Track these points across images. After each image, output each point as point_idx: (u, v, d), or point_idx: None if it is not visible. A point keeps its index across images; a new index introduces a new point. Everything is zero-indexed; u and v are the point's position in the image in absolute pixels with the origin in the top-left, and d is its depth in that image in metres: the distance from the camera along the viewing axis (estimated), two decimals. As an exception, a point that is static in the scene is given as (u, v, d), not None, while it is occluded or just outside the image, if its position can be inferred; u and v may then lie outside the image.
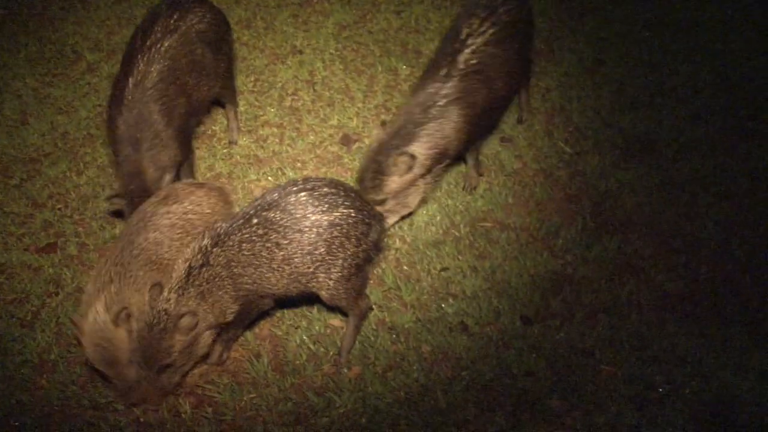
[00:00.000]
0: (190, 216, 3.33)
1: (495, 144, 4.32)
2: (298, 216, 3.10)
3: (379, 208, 3.59)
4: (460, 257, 3.77)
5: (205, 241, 3.09)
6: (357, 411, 3.17)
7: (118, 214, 3.61)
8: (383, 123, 4.06)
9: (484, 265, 3.75)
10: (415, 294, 3.60)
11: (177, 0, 3.73)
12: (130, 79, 3.52)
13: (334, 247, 3.14)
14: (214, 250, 3.07)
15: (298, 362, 3.45)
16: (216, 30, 3.81)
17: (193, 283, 3.05)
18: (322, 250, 3.14)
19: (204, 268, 3.05)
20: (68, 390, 3.40)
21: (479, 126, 3.83)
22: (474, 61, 3.74)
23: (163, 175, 3.58)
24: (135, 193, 3.48)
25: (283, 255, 3.12)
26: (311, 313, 3.60)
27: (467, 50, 3.75)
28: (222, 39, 3.86)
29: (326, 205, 3.12)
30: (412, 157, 3.63)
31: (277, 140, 4.28)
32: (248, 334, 3.55)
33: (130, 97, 3.50)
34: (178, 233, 3.31)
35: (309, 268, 3.17)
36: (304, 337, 3.54)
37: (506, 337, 3.47)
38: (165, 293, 3.03)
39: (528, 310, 3.59)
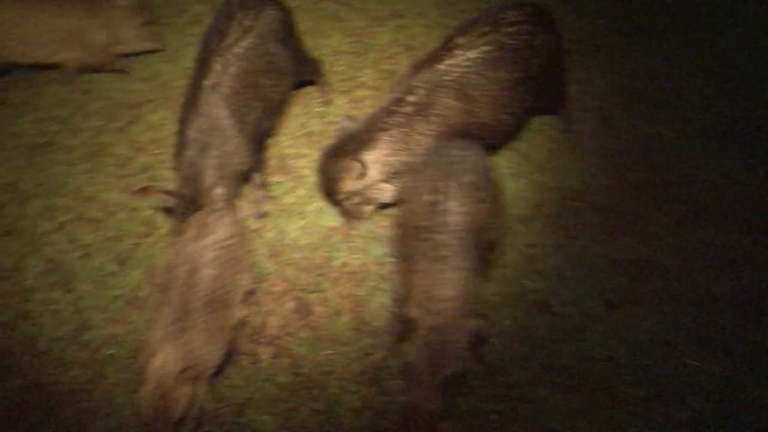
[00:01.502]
0: (229, 241, 3.32)
1: (595, 123, 4.27)
2: None
3: (345, 204, 3.67)
4: (547, 235, 3.78)
5: None
6: (432, 377, 3.23)
7: (168, 211, 3.68)
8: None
9: (572, 244, 3.74)
10: (499, 268, 3.63)
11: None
12: (205, 82, 3.53)
13: None
14: None
15: (376, 324, 3.54)
16: (287, 28, 3.84)
17: None
18: None
19: None
20: (156, 328, 3.58)
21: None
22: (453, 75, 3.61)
23: (218, 186, 3.53)
24: (186, 198, 3.50)
25: None
26: (392, 278, 3.69)
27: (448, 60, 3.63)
28: (292, 36, 3.88)
29: None
30: (363, 164, 3.59)
31: (371, 102, 4.35)
32: (330, 293, 3.66)
33: (203, 101, 3.52)
34: (227, 261, 3.28)
35: None
36: (385, 300, 3.62)
37: (588, 319, 3.47)
38: None
39: (613, 294, 3.58)
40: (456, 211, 3.17)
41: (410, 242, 3.24)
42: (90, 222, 3.96)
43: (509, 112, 3.75)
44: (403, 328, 3.15)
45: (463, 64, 3.64)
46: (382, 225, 3.95)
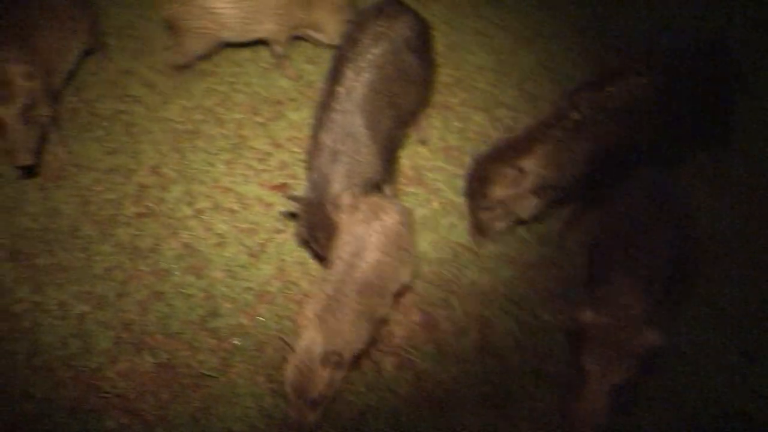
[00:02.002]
0: (399, 228, 3.36)
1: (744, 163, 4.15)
2: None
3: (485, 214, 3.63)
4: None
5: None
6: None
7: (292, 215, 3.73)
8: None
9: (707, 291, 3.63)
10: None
11: (383, 7, 3.78)
12: (340, 89, 3.58)
13: None
14: None
15: (503, 348, 3.52)
16: (422, 38, 3.85)
17: None
18: None
19: None
20: (282, 323, 3.68)
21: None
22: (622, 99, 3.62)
23: (345, 194, 3.53)
24: (312, 204, 3.53)
25: None
26: (522, 302, 3.67)
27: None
28: (426, 47, 3.89)
29: None
30: (520, 171, 3.56)
31: (511, 122, 4.33)
32: (457, 310, 3.66)
33: (338, 107, 3.56)
34: (394, 249, 3.33)
35: None
36: (512, 325, 3.59)
37: (722, 370, 3.36)
38: None
39: (751, 345, 3.45)
40: (659, 239, 3.14)
41: (606, 252, 3.21)
42: (226, 212, 4.09)
43: (669, 140, 3.74)
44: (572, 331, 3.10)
45: (635, 90, 3.60)
46: (512, 247, 3.93)
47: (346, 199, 3.48)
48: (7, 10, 3.95)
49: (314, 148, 3.62)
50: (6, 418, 3.40)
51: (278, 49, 4.53)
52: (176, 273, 3.89)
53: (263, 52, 4.66)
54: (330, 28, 4.46)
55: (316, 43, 4.60)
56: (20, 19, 3.92)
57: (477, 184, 3.70)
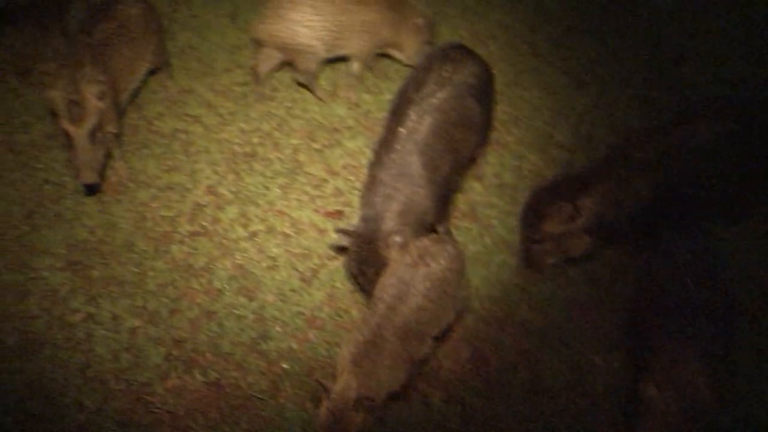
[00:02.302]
0: (446, 274, 3.38)
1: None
2: None
3: (536, 247, 3.70)
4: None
5: None
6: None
7: (342, 249, 3.77)
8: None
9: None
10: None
11: (449, 52, 3.86)
12: (401, 129, 3.65)
13: None
14: None
15: (552, 387, 3.53)
16: (485, 85, 3.92)
17: None
18: None
19: None
20: (332, 350, 3.72)
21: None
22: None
23: (397, 233, 3.58)
24: (363, 239, 3.59)
25: None
26: (572, 342, 3.68)
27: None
28: (489, 92, 3.96)
29: None
30: (576, 209, 3.61)
31: (566, 162, 4.36)
32: (507, 347, 3.69)
33: (398, 147, 3.64)
34: (438, 295, 3.35)
35: None
36: (563, 365, 3.61)
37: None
38: None
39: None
40: (712, 304, 3.20)
41: (659, 316, 3.23)
42: (280, 236, 4.16)
43: (734, 192, 3.81)
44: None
45: (704, 136, 3.67)
46: (563, 286, 3.95)
47: (397, 239, 3.54)
48: (84, 28, 4.08)
49: (370, 184, 3.68)
50: (58, 427, 3.46)
51: (356, 67, 4.63)
52: (228, 293, 3.95)
53: (321, 80, 4.75)
54: (410, 48, 4.58)
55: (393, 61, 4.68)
56: (97, 38, 4.04)
57: (532, 215, 3.75)
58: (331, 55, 4.55)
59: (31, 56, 4.73)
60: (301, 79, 4.60)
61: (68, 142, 3.93)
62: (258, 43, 4.52)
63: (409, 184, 3.65)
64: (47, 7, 4.50)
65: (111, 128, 4.08)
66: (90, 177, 3.98)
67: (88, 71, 3.90)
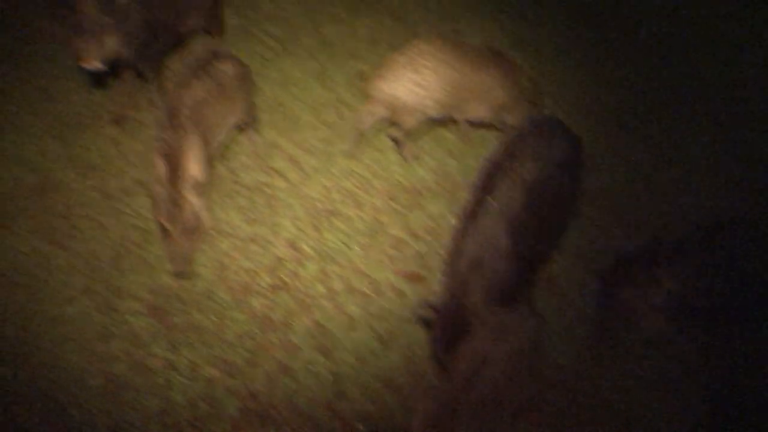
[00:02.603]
0: (526, 349, 3.39)
1: None
2: None
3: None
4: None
5: None
6: None
7: (426, 322, 3.78)
8: None
9: None
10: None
11: (543, 125, 3.91)
12: (490, 200, 3.68)
13: None
14: None
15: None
16: (576, 159, 3.96)
17: None
18: None
19: None
20: (408, 415, 3.70)
21: None
22: None
23: (482, 304, 3.59)
24: (447, 312, 3.60)
25: None
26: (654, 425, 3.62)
27: None
28: (579, 167, 3.99)
29: None
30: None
31: (648, 238, 4.33)
32: (587, 423, 3.63)
33: (485, 218, 3.65)
34: (517, 370, 3.37)
35: None
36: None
37: None
38: None
39: None
40: None
41: None
42: (359, 295, 4.21)
43: None
44: None
45: None
46: (646, 365, 3.90)
47: (479, 312, 3.54)
48: (181, 86, 4.22)
49: (454, 254, 3.69)
50: (135, 473, 3.52)
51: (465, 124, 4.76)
52: (306, 349, 4.01)
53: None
54: (518, 112, 4.62)
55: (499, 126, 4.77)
56: (193, 96, 4.19)
57: (608, 282, 3.72)
58: (441, 116, 4.62)
59: (128, 105, 4.92)
60: (396, 136, 4.68)
61: (162, 232, 4.08)
62: (369, 99, 4.61)
63: (494, 256, 3.66)
64: (147, 62, 4.69)
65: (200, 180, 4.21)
66: (181, 268, 4.12)
67: (187, 146, 4.06)
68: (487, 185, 3.75)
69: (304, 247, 4.42)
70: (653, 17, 5.63)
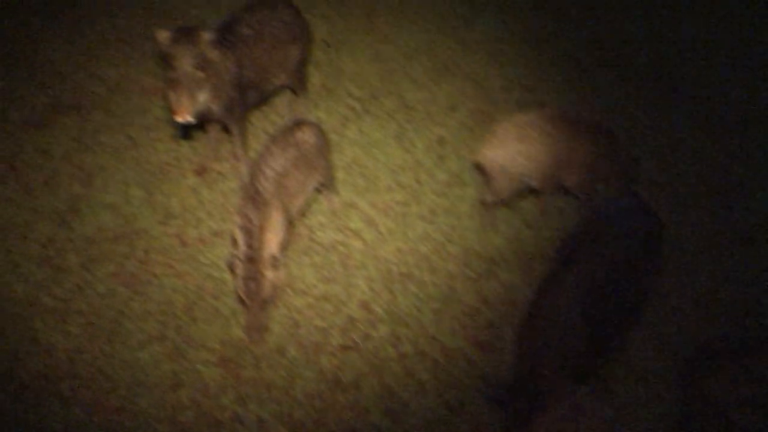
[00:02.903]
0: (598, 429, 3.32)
1: None
2: None
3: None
4: None
5: None
6: None
7: (497, 399, 3.70)
8: None
9: None
10: None
11: (624, 207, 3.96)
12: (569, 276, 3.69)
13: None
14: None
15: None
16: (655, 238, 3.93)
17: None
18: None
19: None
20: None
21: None
22: None
23: (554, 382, 3.59)
24: (522, 386, 3.59)
25: None
26: None
27: None
28: (659, 249, 3.97)
29: None
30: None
31: (727, 331, 4.24)
32: None
33: (562, 294, 3.66)
34: None
35: None
36: None
37: None
38: None
39: None
40: None
41: None
42: (429, 361, 4.21)
43: None
44: None
45: None
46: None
47: (553, 389, 3.52)
48: (265, 164, 4.31)
49: (529, 329, 3.69)
50: None
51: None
52: (373, 412, 4.00)
53: (475, 217, 4.86)
54: (615, 185, 4.63)
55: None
56: (277, 166, 4.30)
57: (695, 372, 3.63)
58: (540, 186, 4.66)
59: (210, 157, 5.07)
60: (489, 200, 4.72)
61: (241, 304, 4.18)
62: (477, 168, 4.71)
63: (570, 333, 3.65)
64: (233, 117, 4.85)
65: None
66: (257, 338, 4.22)
67: (270, 221, 4.18)
68: (566, 261, 3.77)
69: (377, 308, 4.44)
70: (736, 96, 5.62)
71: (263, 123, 5.33)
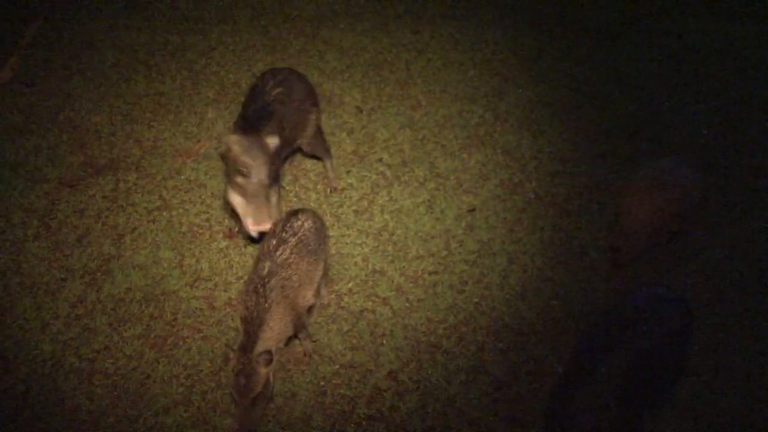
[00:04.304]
0: None
1: None
2: None
3: None
4: None
5: None
6: None
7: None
8: None
9: None
10: None
11: (655, 300, 3.99)
12: (598, 363, 3.74)
13: None
14: None
15: None
16: (686, 333, 3.99)
17: None
18: None
19: None
20: None
21: None
22: None
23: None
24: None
25: None
26: None
27: None
28: (687, 339, 4.03)
29: None
30: None
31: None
32: None
33: (593, 378, 3.71)
34: None
35: None
36: None
37: None
38: None
39: None
40: None
41: None
42: None
43: None
44: None
45: None
46: None
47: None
48: (269, 258, 4.30)
49: (560, 415, 3.73)
50: None
51: None
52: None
53: (511, 279, 4.90)
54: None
55: None
56: (278, 264, 4.29)
57: None
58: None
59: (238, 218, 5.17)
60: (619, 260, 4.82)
61: (231, 399, 4.12)
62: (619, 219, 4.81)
63: (604, 422, 3.68)
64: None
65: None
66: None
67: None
68: (597, 348, 3.81)
69: (404, 379, 4.45)
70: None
71: (295, 188, 5.43)
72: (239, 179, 4.56)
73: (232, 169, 4.59)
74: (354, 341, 4.65)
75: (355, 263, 5.03)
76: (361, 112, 6.02)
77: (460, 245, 5.12)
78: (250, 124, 4.71)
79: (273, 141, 4.64)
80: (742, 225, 5.25)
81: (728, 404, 4.31)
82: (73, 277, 4.95)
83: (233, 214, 5.13)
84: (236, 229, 5.18)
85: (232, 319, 4.74)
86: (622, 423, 3.73)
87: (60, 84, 6.30)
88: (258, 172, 4.53)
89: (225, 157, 4.66)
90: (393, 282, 4.97)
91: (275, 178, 4.82)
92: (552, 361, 4.50)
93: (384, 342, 4.64)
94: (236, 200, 4.65)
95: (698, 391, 4.36)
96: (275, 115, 4.83)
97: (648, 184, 4.74)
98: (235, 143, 4.55)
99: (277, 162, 4.82)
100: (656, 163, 4.87)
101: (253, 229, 4.66)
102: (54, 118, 6.01)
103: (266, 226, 4.53)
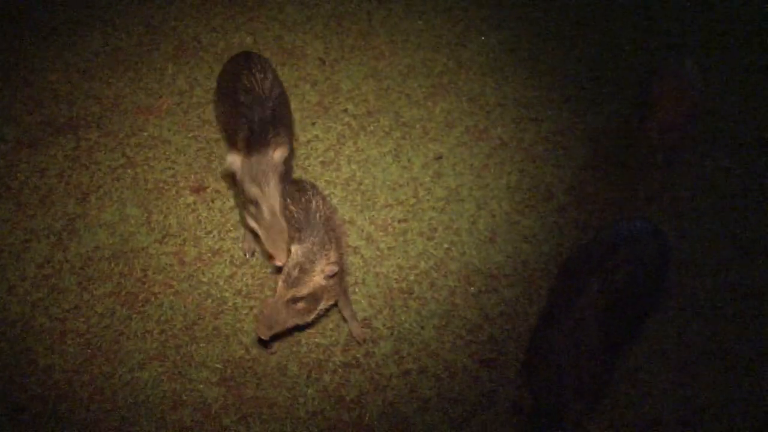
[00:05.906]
0: None
1: None
2: None
3: None
4: None
5: None
6: None
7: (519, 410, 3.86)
8: None
9: None
10: None
11: (633, 230, 4.01)
12: (578, 298, 3.78)
13: None
14: None
15: None
16: (665, 259, 4.05)
17: None
18: None
19: None
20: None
21: None
22: None
23: (575, 403, 3.70)
24: (538, 415, 3.70)
25: None
26: None
27: None
28: (667, 266, 4.09)
29: None
30: None
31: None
32: None
33: (574, 314, 3.75)
34: None
35: None
36: None
37: None
38: None
39: None
40: None
41: None
42: (433, 377, 4.28)
43: None
44: None
45: None
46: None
47: (572, 414, 3.68)
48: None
49: (541, 353, 3.79)
50: None
51: None
52: (377, 430, 4.06)
53: (480, 226, 4.96)
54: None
55: None
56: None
57: None
58: None
59: (207, 174, 5.15)
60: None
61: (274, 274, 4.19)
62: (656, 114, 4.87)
63: (587, 356, 3.75)
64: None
65: None
66: (263, 335, 3.99)
67: None
68: (573, 285, 3.86)
69: (378, 326, 4.51)
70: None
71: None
72: (251, 208, 4.28)
73: (241, 193, 4.33)
74: (326, 291, 4.67)
75: (325, 214, 5.03)
76: (324, 63, 5.99)
77: (428, 193, 5.16)
78: (256, 137, 4.32)
79: (282, 152, 4.29)
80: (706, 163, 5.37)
81: (692, 339, 4.43)
82: (38, 238, 4.90)
83: (200, 167, 5.11)
84: (204, 184, 5.15)
85: (203, 273, 4.74)
86: (600, 359, 3.80)
87: (11, 42, 6.14)
88: (268, 198, 4.20)
89: (231, 177, 4.44)
90: (363, 231, 5.00)
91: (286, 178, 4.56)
92: (523, 303, 4.60)
93: (356, 290, 4.68)
94: (254, 225, 4.34)
95: (664, 326, 4.48)
96: (282, 120, 4.54)
97: (682, 82, 4.87)
98: (239, 168, 4.23)
99: (288, 163, 4.53)
100: (683, 62, 4.99)
101: (271, 263, 4.49)
102: (7, 77, 5.87)
103: (280, 262, 4.17)
